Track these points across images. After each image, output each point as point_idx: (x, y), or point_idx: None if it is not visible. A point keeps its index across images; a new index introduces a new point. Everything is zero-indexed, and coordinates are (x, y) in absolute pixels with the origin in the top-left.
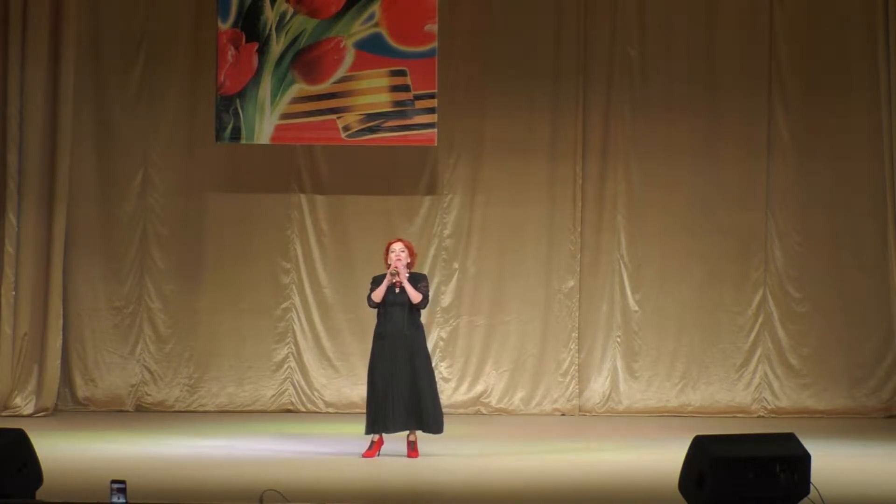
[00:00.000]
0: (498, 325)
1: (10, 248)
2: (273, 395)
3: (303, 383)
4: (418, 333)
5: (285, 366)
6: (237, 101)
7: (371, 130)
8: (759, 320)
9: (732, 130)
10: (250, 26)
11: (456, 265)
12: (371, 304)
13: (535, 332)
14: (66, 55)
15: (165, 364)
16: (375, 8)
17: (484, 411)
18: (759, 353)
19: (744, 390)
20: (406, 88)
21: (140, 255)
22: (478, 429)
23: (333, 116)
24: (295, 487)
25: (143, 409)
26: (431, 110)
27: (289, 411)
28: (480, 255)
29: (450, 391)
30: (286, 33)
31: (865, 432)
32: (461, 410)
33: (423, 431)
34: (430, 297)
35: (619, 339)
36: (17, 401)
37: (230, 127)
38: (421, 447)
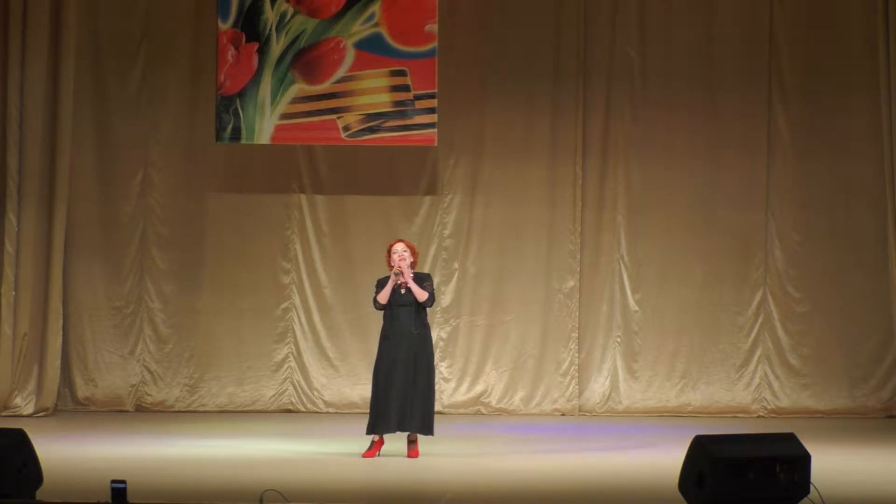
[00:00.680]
0: (498, 325)
1: (10, 248)
2: (273, 395)
3: (303, 383)
4: (425, 334)
5: (285, 366)
6: (237, 101)
7: (371, 130)
8: (759, 320)
9: (732, 130)
10: (250, 26)
11: (456, 265)
12: (377, 306)
13: (535, 332)
14: (66, 55)
15: (165, 364)
16: (375, 8)
17: (484, 411)
18: (759, 353)
19: (744, 390)
20: (406, 88)
21: (140, 255)
22: (478, 429)
23: (333, 116)
24: (295, 487)
25: (143, 409)
26: (431, 110)
27: (289, 411)
28: (480, 255)
29: (450, 391)
30: (286, 33)
31: (865, 432)
32: (461, 410)
33: (416, 433)
34: (435, 297)
35: (619, 339)
36: (17, 401)
37: (230, 127)
38: (421, 447)
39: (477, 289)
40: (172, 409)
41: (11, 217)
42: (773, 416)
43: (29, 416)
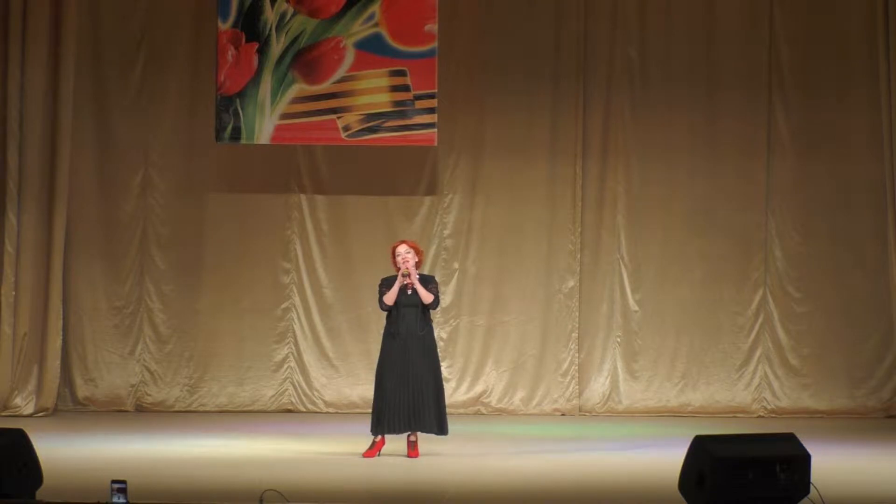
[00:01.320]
0: (498, 325)
1: (10, 248)
2: (273, 395)
3: (303, 383)
4: (430, 334)
5: (285, 366)
6: (237, 101)
7: (371, 130)
8: (759, 320)
9: (732, 130)
10: (250, 26)
11: (456, 265)
12: (383, 307)
13: (535, 332)
14: (66, 55)
15: (165, 364)
16: (375, 8)
17: (484, 411)
18: (759, 353)
19: (744, 390)
20: (406, 88)
21: (140, 255)
22: (478, 429)
23: (333, 116)
24: (295, 487)
25: (143, 409)
26: (431, 110)
27: (289, 411)
28: (480, 255)
29: (450, 391)
30: (286, 33)
31: (865, 432)
32: (461, 410)
33: (427, 433)
34: (440, 299)
35: (619, 339)
36: (17, 401)
37: (230, 127)
38: (421, 447)
39: (477, 289)
40: (172, 409)
41: (11, 217)
42: (773, 416)
43: (29, 416)
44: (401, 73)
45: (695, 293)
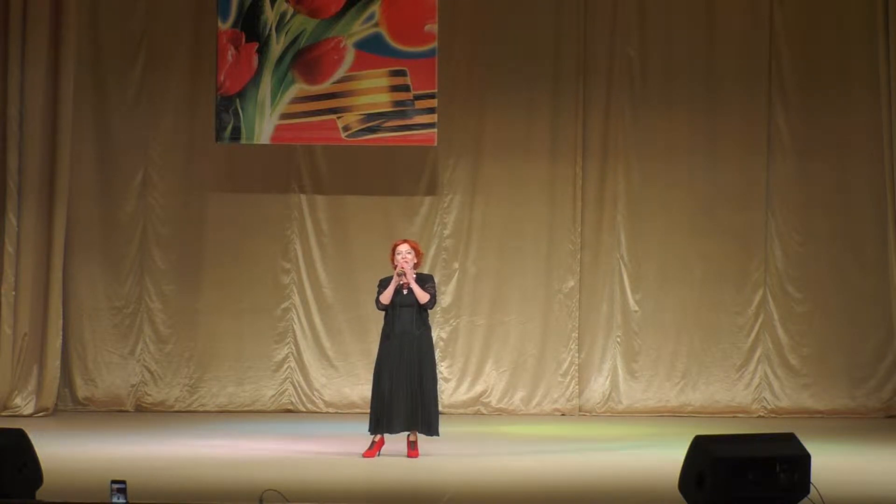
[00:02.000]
0: (498, 325)
1: (10, 248)
2: (273, 395)
3: (303, 383)
4: (427, 334)
5: (285, 366)
6: (237, 101)
7: (371, 130)
8: (759, 320)
9: (732, 130)
10: (250, 26)
11: (456, 265)
12: (379, 306)
13: (535, 332)
14: (66, 55)
15: (165, 364)
16: (375, 8)
17: (484, 411)
18: (759, 353)
19: (744, 390)
20: (406, 88)
21: (140, 255)
22: (478, 429)
23: (333, 116)
24: (295, 487)
25: (143, 409)
26: (431, 110)
27: (289, 411)
28: (480, 255)
29: (450, 391)
30: (286, 33)
31: (865, 432)
32: (461, 410)
33: (419, 433)
34: (437, 298)
35: (619, 339)
36: (17, 401)
37: (230, 127)
38: (421, 447)
39: (477, 289)
40: (172, 409)
41: (11, 217)
42: (773, 416)
43: (29, 416)
44: (401, 73)
45: (695, 293)
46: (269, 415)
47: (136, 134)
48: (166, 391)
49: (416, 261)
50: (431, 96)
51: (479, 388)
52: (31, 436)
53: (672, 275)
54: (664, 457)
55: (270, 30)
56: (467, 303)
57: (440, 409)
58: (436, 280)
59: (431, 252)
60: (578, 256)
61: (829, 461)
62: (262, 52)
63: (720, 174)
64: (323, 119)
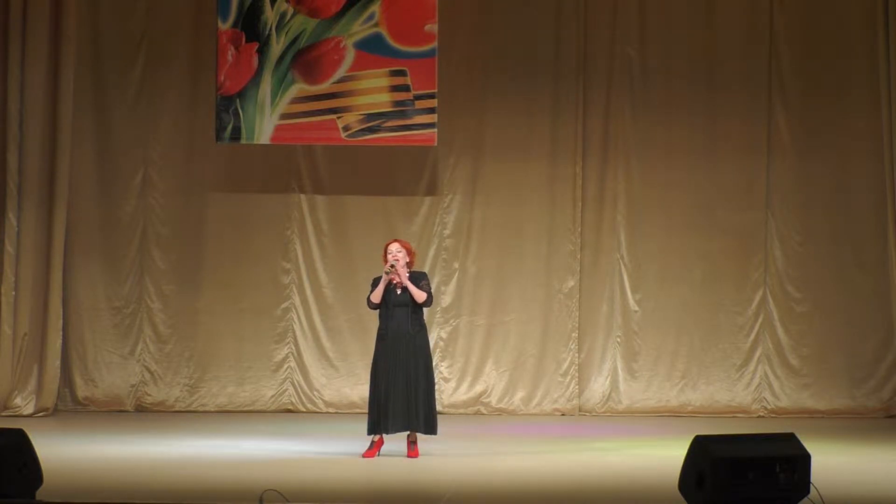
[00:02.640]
0: (498, 325)
1: (10, 248)
2: (273, 395)
3: (303, 383)
4: (422, 334)
5: (285, 366)
6: (237, 101)
7: (371, 130)
8: (759, 320)
9: (732, 130)
10: (250, 26)
11: (456, 265)
12: (371, 305)
13: (535, 332)
14: (66, 55)
15: (165, 364)
16: (375, 8)
17: (484, 411)
18: (759, 353)
19: (744, 390)
20: (406, 88)
21: (140, 255)
22: (478, 429)
23: (333, 116)
24: (295, 487)
25: (143, 409)
26: (431, 110)
27: (289, 411)
28: (480, 255)
29: (450, 391)
30: (286, 33)
31: (865, 432)
32: (461, 410)
33: (419, 432)
34: (433, 296)
35: (619, 339)
36: (17, 401)
37: (230, 127)
38: (421, 447)
39: (477, 289)
40: (172, 409)
41: (11, 217)
42: (773, 416)
43: (29, 416)
44: (401, 73)
45: (695, 293)
46: (269, 415)
47: (136, 134)
48: (166, 391)
49: (408, 259)
50: (431, 96)
51: (479, 388)
52: (31, 436)
53: (672, 275)
54: (664, 457)
55: (270, 30)
56: (467, 303)
57: (439, 408)
58: (433, 280)
59: (431, 252)
60: (578, 256)
61: (829, 461)
62: (263, 52)
63: (720, 174)
64: (323, 119)
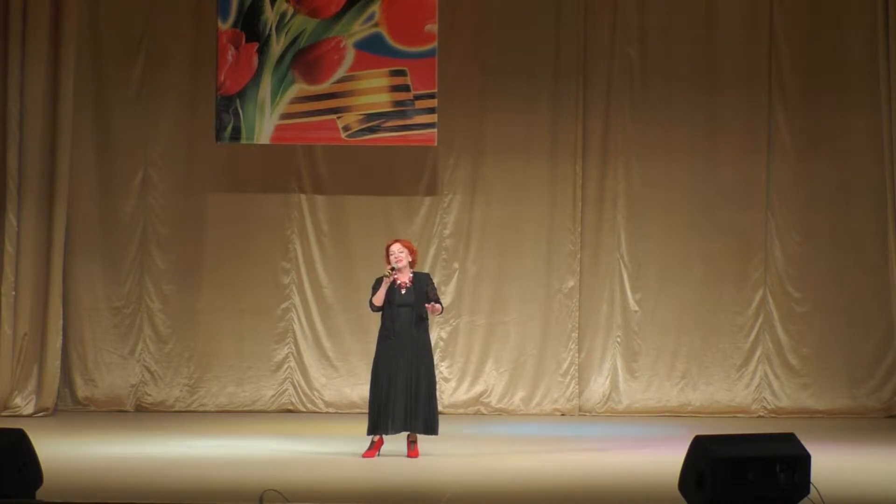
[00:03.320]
0: (498, 325)
1: (10, 248)
2: (273, 395)
3: (303, 383)
4: (425, 335)
5: (285, 366)
6: (237, 100)
7: (371, 130)
8: (759, 320)
9: (732, 130)
10: (250, 26)
11: (456, 265)
12: (373, 308)
13: (535, 332)
14: (66, 55)
15: (165, 364)
16: (375, 8)
17: (484, 411)
18: (759, 353)
19: (744, 390)
20: (406, 88)
21: (140, 255)
22: (478, 429)
23: (333, 116)
24: (295, 487)
25: (143, 409)
26: (431, 110)
27: (289, 411)
28: (480, 255)
29: (450, 391)
30: (286, 33)
31: (865, 432)
32: (461, 410)
33: (418, 433)
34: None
35: (619, 339)
36: (17, 401)
37: (230, 127)
38: (421, 447)
39: (477, 289)
40: (172, 409)
41: (11, 217)
42: (773, 416)
43: (29, 416)
44: (401, 73)
45: (695, 293)
46: (269, 415)
47: (136, 134)
48: (166, 391)
49: (410, 259)
50: (431, 96)
51: (479, 388)
52: (31, 436)
53: (672, 275)
54: (664, 457)
55: (270, 30)
56: (467, 303)
57: (440, 408)
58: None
59: (431, 252)
60: (578, 256)
61: (829, 461)
62: (263, 52)
63: (720, 174)
64: (323, 119)
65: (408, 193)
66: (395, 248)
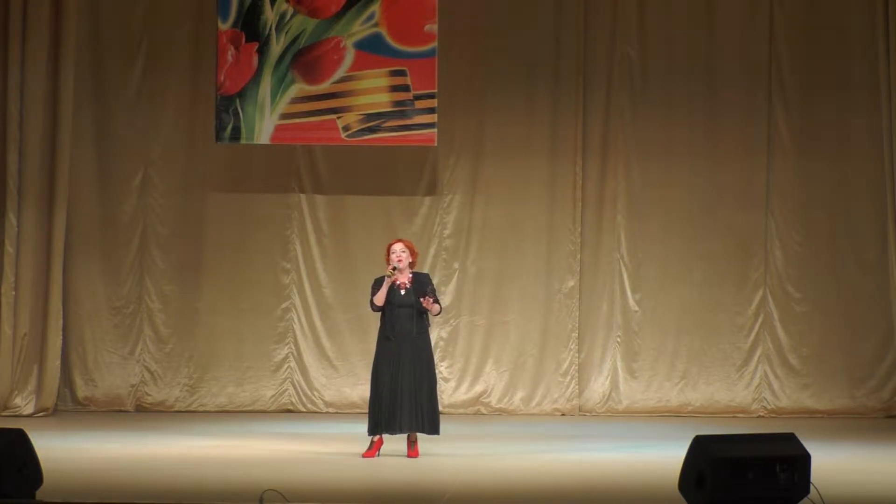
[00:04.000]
0: (498, 325)
1: (10, 248)
2: (273, 395)
3: (303, 383)
4: (425, 335)
5: (285, 366)
6: (237, 101)
7: (371, 130)
8: (759, 320)
9: (732, 130)
10: (250, 26)
11: (456, 265)
12: (374, 308)
13: (535, 332)
14: (66, 55)
15: (165, 364)
16: (375, 8)
17: (484, 411)
18: (759, 353)
19: (744, 390)
20: (406, 88)
21: (140, 255)
22: (478, 429)
23: (333, 116)
24: (295, 487)
25: (143, 409)
26: (431, 110)
27: (289, 411)
28: (480, 255)
29: (450, 391)
30: (286, 33)
31: (865, 432)
32: (461, 410)
33: (420, 433)
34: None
35: (619, 339)
36: (17, 401)
37: (230, 127)
38: (421, 447)
39: (477, 289)
40: (172, 409)
41: (11, 217)
42: (773, 416)
43: (29, 416)
44: (401, 73)
45: (695, 293)
46: (269, 415)
47: (136, 134)
48: (166, 391)
49: (411, 259)
50: (431, 96)
51: (479, 388)
52: (31, 436)
53: (672, 275)
54: (664, 457)
55: (270, 30)
56: (467, 303)
57: (440, 408)
58: (433, 280)
59: (431, 252)
60: (578, 256)
61: (829, 461)
62: (262, 52)
63: (720, 174)
64: (323, 119)
65: (408, 193)
66: (398, 247)
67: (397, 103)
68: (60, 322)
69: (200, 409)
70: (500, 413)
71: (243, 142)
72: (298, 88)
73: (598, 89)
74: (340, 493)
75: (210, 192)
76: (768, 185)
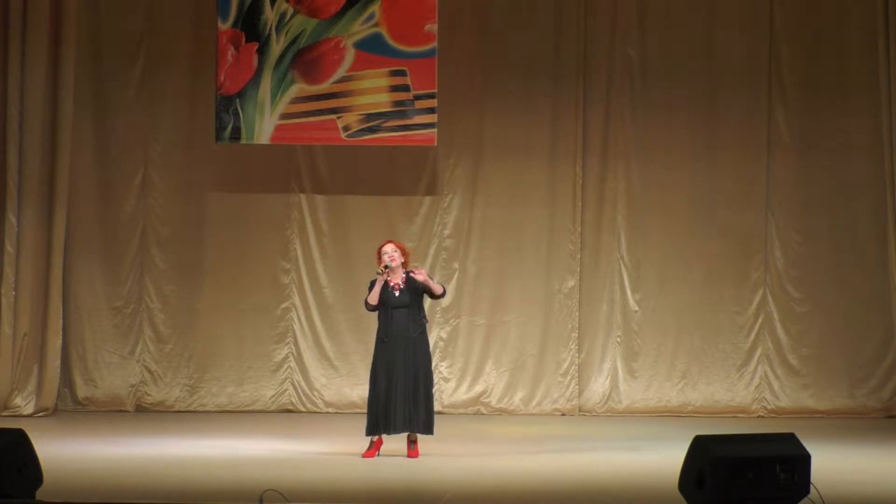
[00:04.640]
0: (498, 325)
1: (10, 248)
2: (273, 395)
3: (303, 383)
4: (423, 336)
5: (285, 366)
6: (237, 101)
7: (371, 130)
8: (759, 320)
9: (732, 130)
10: (250, 26)
11: (456, 265)
12: (368, 307)
13: (535, 332)
14: (66, 55)
15: (165, 364)
16: (375, 8)
17: (484, 411)
18: (759, 353)
19: (744, 390)
20: (406, 88)
21: (140, 255)
22: (478, 429)
23: (333, 116)
24: (295, 487)
25: (143, 409)
26: (431, 110)
27: (289, 411)
28: (480, 255)
29: (450, 391)
30: (286, 33)
31: (865, 432)
32: (461, 410)
33: (419, 433)
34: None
35: (619, 339)
36: (17, 401)
37: (230, 127)
38: (421, 447)
39: (477, 289)
40: (172, 409)
41: (11, 217)
42: (773, 416)
43: (29, 416)
44: (401, 73)
45: (695, 293)
46: (269, 415)
47: (136, 134)
48: (166, 391)
49: (402, 260)
50: (431, 96)
51: (479, 388)
52: (31, 436)
53: (672, 275)
54: (664, 457)
55: (270, 30)
56: (467, 303)
57: (438, 408)
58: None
59: (431, 252)
60: (578, 256)
61: (829, 461)
62: (262, 52)
63: (720, 174)
64: (323, 119)
65: (408, 193)
66: (388, 247)
67: (397, 103)
68: (60, 322)
69: (200, 409)
70: (500, 413)
71: (243, 142)
72: (298, 88)
73: (598, 89)
74: (340, 493)
75: (210, 193)
76: (768, 186)
